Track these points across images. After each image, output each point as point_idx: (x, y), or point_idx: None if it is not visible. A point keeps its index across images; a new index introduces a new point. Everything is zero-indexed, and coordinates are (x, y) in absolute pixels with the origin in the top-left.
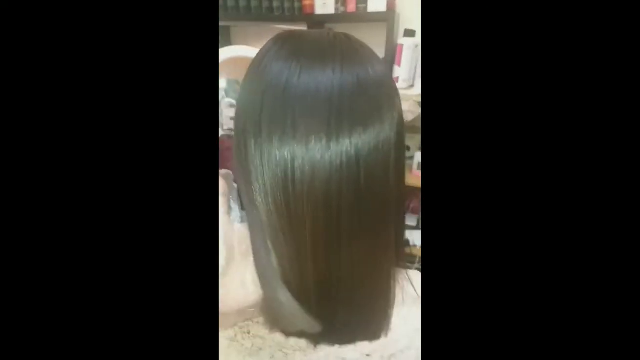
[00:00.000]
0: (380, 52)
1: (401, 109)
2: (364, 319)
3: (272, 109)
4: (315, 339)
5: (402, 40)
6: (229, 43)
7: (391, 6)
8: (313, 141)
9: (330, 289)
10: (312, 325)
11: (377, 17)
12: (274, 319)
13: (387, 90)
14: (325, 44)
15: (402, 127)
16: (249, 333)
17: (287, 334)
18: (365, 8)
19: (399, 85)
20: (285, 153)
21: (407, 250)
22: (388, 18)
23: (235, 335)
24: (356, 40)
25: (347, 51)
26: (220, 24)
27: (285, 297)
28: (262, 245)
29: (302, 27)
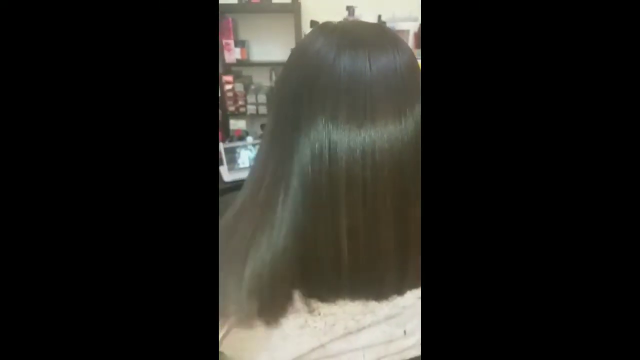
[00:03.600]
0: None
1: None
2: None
3: (349, 98)
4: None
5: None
6: None
7: None
8: (390, 120)
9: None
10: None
11: (282, 9)
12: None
13: (418, 76)
14: (379, 34)
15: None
16: (319, 315)
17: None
18: None
19: None
20: (326, 133)
21: None
22: (294, 9)
23: (306, 321)
24: (389, 30)
25: (395, 39)
26: None
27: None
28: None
29: None
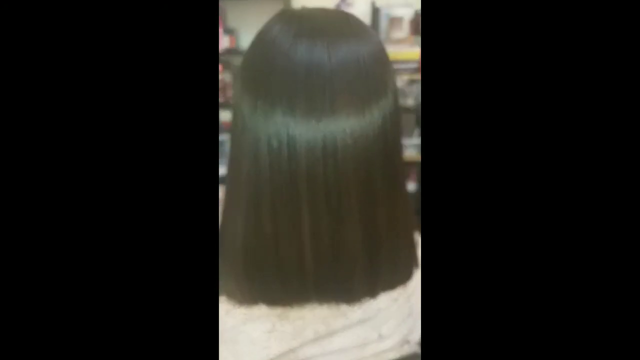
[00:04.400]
0: None
1: (396, 83)
2: (396, 266)
3: (306, 91)
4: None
5: None
6: None
7: None
8: (352, 113)
9: (366, 239)
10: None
11: None
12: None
13: (388, 57)
14: (342, 21)
15: (398, 98)
16: (287, 319)
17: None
18: None
19: None
20: (283, 128)
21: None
22: None
23: (274, 325)
24: (357, 17)
25: (359, 27)
26: None
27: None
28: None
29: None
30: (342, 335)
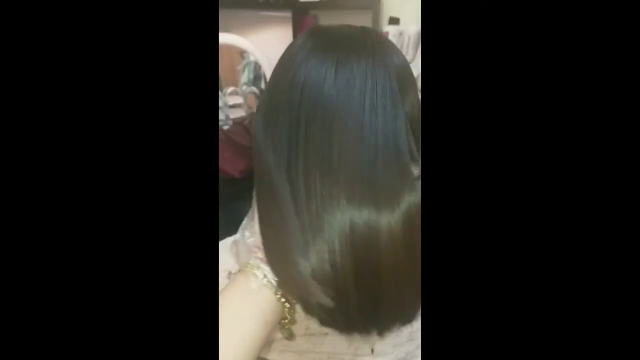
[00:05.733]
0: None
1: (417, 89)
2: (403, 305)
3: (311, 102)
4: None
5: (387, 27)
6: None
7: None
8: (352, 130)
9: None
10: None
11: (361, 4)
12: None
13: (410, 77)
14: (357, 37)
15: (419, 108)
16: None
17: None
18: None
19: None
20: (325, 142)
21: None
22: (373, 5)
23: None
24: (378, 32)
25: (377, 45)
26: None
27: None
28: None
29: (287, 14)
30: (334, 340)
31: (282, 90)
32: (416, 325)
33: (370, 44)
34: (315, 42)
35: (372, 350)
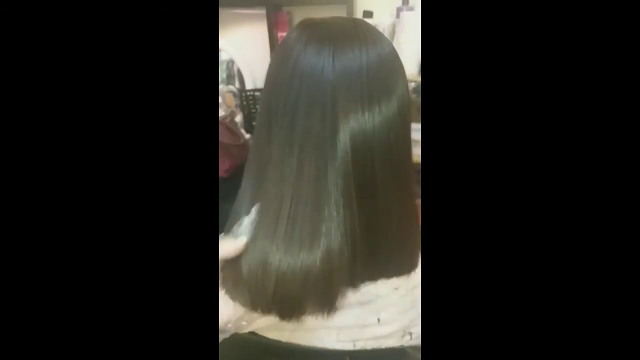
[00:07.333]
0: None
1: (405, 87)
2: (400, 256)
3: (311, 91)
4: (359, 278)
5: None
6: None
7: None
8: (351, 113)
9: (370, 233)
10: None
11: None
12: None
13: (399, 62)
14: (349, 28)
15: (409, 91)
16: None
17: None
18: None
19: None
20: (326, 126)
21: None
22: (346, 0)
23: None
24: (367, 23)
25: (367, 33)
26: None
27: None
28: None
29: (261, 12)
30: (341, 314)
31: (282, 81)
32: (417, 291)
33: (362, 34)
34: (311, 34)
35: (379, 320)
